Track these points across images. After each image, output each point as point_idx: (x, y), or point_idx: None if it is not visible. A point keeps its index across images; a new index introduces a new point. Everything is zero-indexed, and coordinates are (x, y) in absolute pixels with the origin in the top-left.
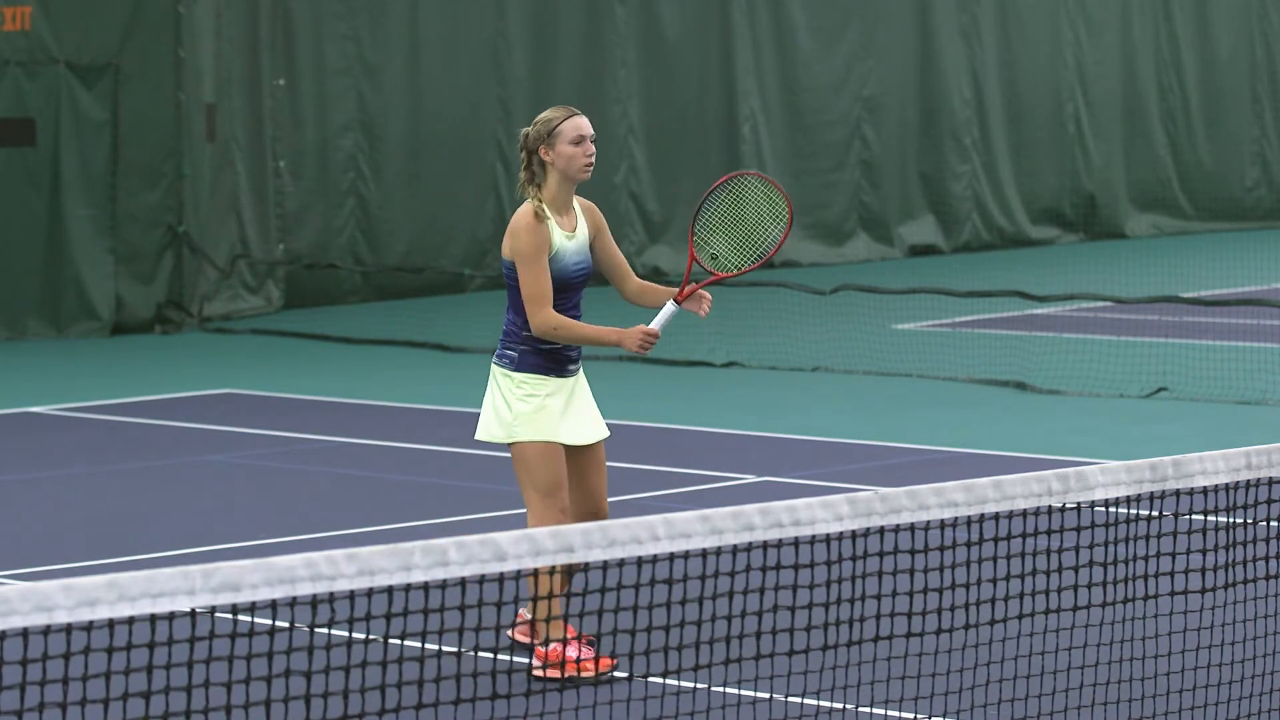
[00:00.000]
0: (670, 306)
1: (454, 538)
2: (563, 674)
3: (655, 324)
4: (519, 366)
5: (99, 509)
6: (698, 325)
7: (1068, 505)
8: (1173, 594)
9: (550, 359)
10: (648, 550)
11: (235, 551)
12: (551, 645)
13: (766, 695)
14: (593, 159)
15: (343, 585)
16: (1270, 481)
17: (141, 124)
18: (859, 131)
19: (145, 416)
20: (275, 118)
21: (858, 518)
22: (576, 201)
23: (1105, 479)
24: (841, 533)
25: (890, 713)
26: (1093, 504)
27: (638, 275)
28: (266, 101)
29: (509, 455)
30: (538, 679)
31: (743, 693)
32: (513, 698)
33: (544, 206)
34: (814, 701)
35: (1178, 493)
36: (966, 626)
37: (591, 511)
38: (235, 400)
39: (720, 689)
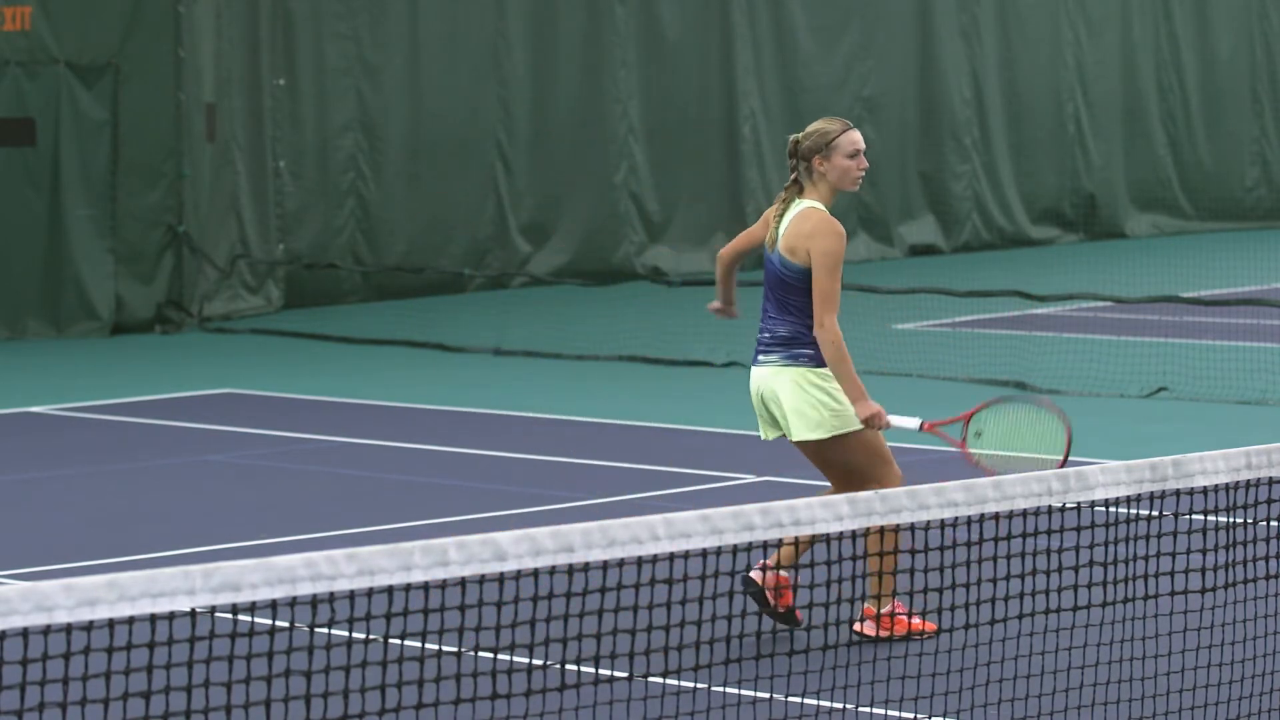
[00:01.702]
0: (914, 423)
1: (454, 538)
2: (878, 631)
3: (895, 420)
4: (818, 362)
5: (99, 509)
6: (699, 325)
7: (1068, 505)
8: (1173, 594)
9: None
10: (648, 550)
11: (235, 551)
12: (897, 615)
13: (766, 695)
14: (865, 170)
15: (343, 585)
16: (1270, 481)
17: (141, 124)
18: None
19: (145, 416)
20: (275, 118)
21: (858, 518)
22: None
23: (1105, 479)
24: (841, 533)
25: (890, 713)
26: (1093, 504)
27: (639, 276)
28: (266, 101)
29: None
30: (857, 635)
31: (743, 693)
32: (513, 697)
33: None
34: (814, 701)
35: (1178, 493)
36: (966, 626)
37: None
38: (235, 400)
39: (720, 689)
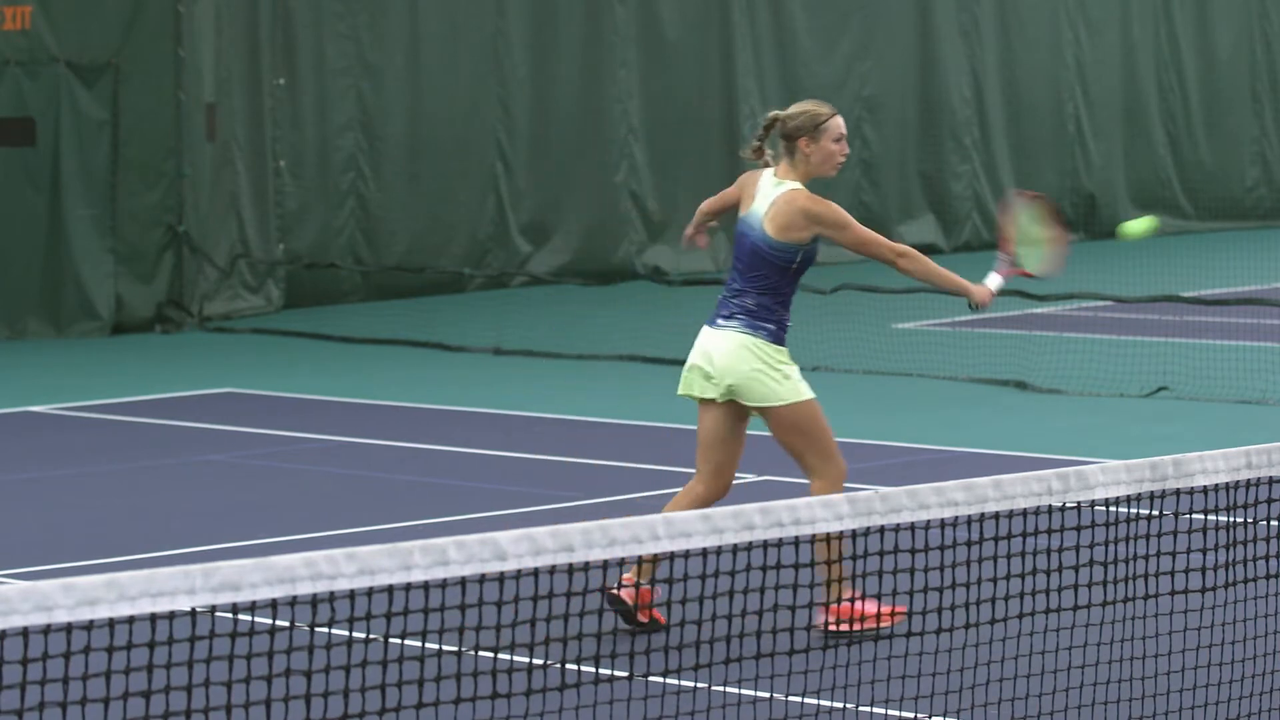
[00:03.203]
0: (995, 280)
1: (454, 537)
2: (851, 628)
3: (990, 282)
4: (777, 339)
5: (99, 509)
6: (699, 325)
7: (1068, 505)
8: (1173, 594)
9: (783, 336)
10: (648, 550)
11: (235, 551)
12: (844, 602)
13: (766, 695)
14: (846, 157)
15: (343, 585)
16: (1270, 481)
17: (141, 124)
18: (859, 131)
19: (145, 416)
20: (275, 117)
21: (858, 517)
22: None
23: (1105, 478)
24: (842, 532)
25: (890, 712)
26: (1093, 503)
27: (639, 275)
28: (266, 101)
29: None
30: (831, 634)
31: (743, 692)
32: (513, 697)
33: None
34: (814, 701)
35: (1178, 492)
36: (966, 626)
37: (843, 470)
38: (235, 400)
39: (720, 689)
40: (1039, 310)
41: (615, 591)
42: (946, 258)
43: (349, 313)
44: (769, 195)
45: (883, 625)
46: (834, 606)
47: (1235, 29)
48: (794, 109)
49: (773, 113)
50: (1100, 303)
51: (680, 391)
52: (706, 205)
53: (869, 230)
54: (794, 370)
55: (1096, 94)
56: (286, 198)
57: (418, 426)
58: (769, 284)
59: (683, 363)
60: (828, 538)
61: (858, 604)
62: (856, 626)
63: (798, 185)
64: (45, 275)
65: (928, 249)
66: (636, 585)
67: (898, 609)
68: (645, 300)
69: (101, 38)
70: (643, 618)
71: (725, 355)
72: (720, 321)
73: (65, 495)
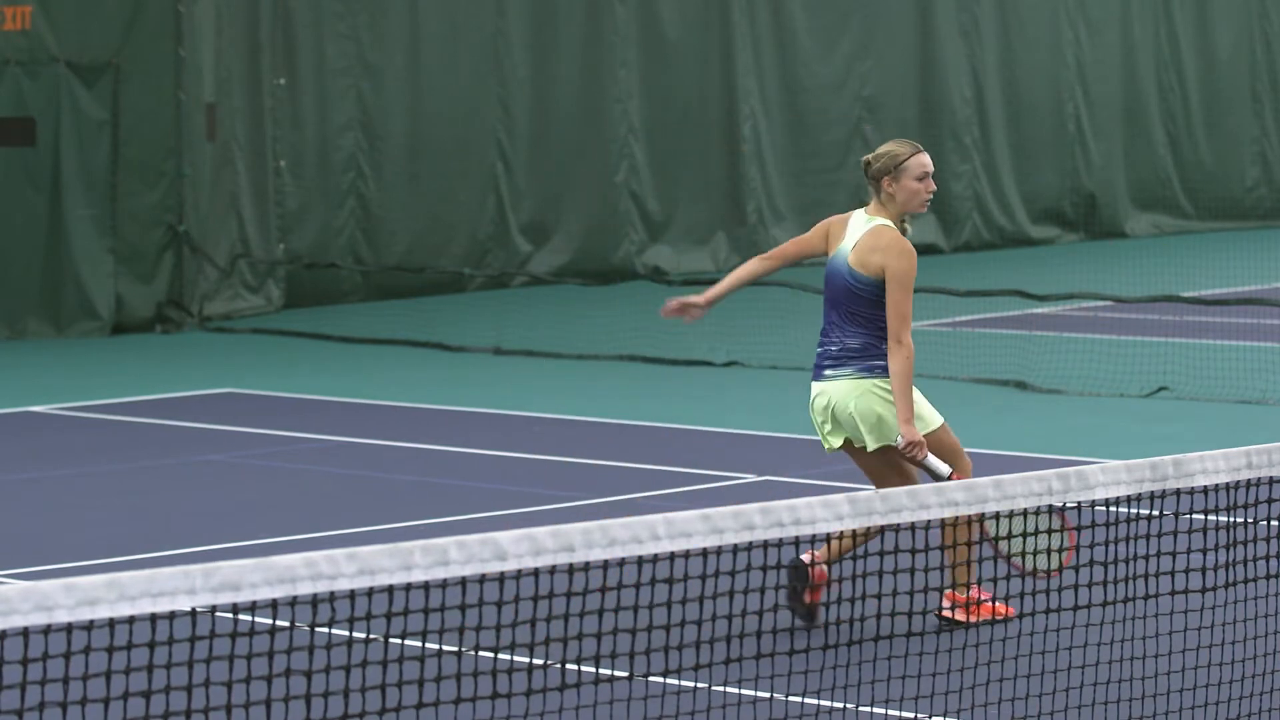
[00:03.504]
0: (944, 468)
1: (454, 537)
2: (968, 617)
3: (930, 461)
4: (884, 373)
5: (99, 509)
6: (699, 325)
7: (1068, 505)
8: (1173, 594)
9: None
10: (648, 550)
11: (235, 551)
12: (959, 589)
13: (767, 695)
14: (932, 194)
15: (343, 585)
16: (1270, 481)
17: (141, 124)
18: (859, 131)
19: (145, 416)
20: (275, 117)
21: (858, 517)
22: None
23: (1105, 479)
24: (842, 533)
25: (890, 712)
26: (1093, 503)
27: (639, 275)
28: (267, 101)
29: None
30: (945, 620)
31: (743, 692)
32: (513, 697)
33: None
34: (814, 701)
35: (1178, 492)
36: (967, 626)
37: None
38: (235, 400)
39: (720, 689)
40: (1039, 310)
41: (803, 560)
42: (946, 258)
43: (349, 313)
44: (859, 230)
45: (996, 617)
46: (952, 593)
47: (1235, 29)
48: (880, 150)
49: (865, 157)
50: (1100, 303)
51: (828, 449)
52: (750, 270)
53: (907, 305)
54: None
55: (1096, 94)
56: (286, 198)
57: (418, 426)
58: (869, 321)
59: (683, 362)
60: (956, 522)
61: (972, 590)
62: (972, 616)
63: (886, 222)
64: (45, 275)
65: (928, 249)
66: (813, 564)
67: (1008, 608)
68: (645, 300)
69: (101, 38)
70: (808, 598)
71: (844, 399)
72: (828, 371)
73: (65, 495)
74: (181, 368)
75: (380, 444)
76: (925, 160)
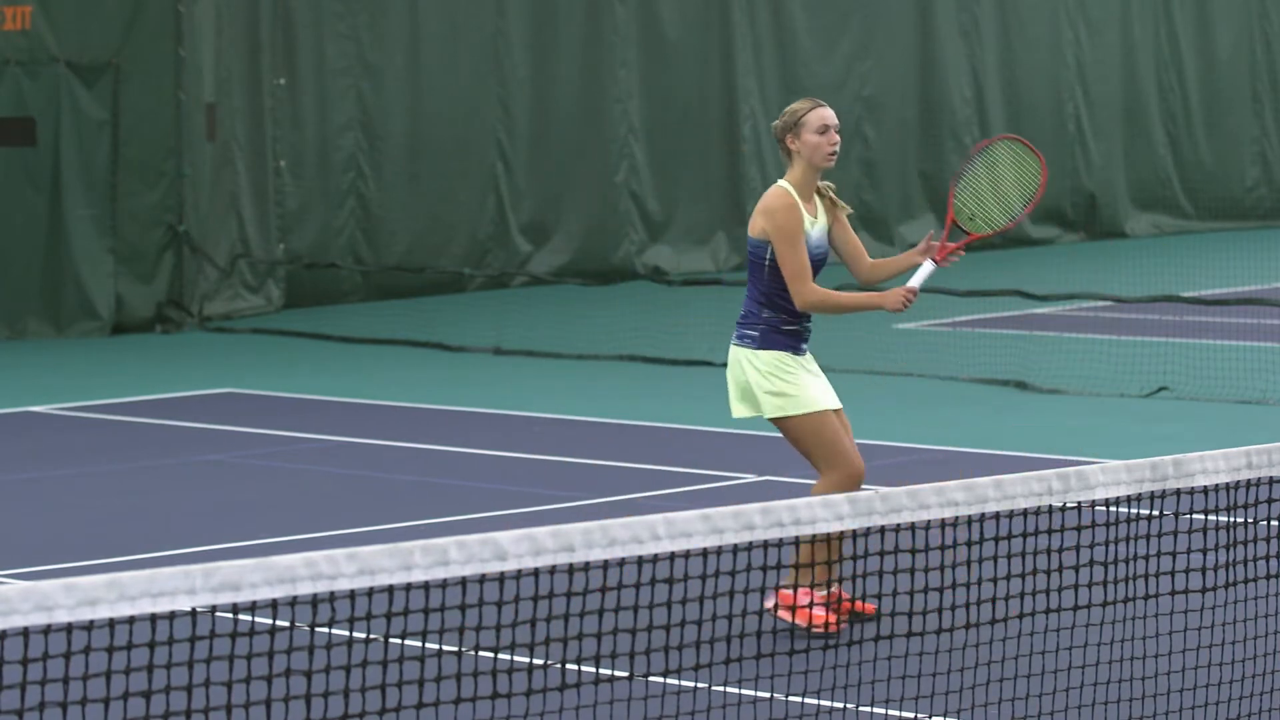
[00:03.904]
0: (929, 266)
1: (454, 537)
2: (793, 617)
3: (914, 282)
4: (763, 345)
5: (99, 509)
6: (699, 325)
7: (1068, 505)
8: (1173, 594)
9: (789, 338)
10: (648, 550)
11: (235, 551)
12: (798, 589)
13: (767, 695)
14: (837, 147)
15: (343, 585)
16: (1270, 481)
17: (141, 123)
18: (859, 131)
19: (145, 416)
20: (275, 117)
21: (858, 517)
22: (827, 201)
23: (1105, 478)
24: (842, 532)
25: (890, 712)
26: (1093, 503)
27: (639, 275)
28: (267, 101)
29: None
30: (769, 614)
31: (743, 692)
32: (513, 697)
33: (790, 188)
34: (814, 701)
35: (1178, 492)
36: (966, 626)
37: (853, 473)
38: (235, 400)
39: (720, 689)
40: (1039, 310)
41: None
42: None
43: (349, 313)
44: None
45: (814, 626)
46: (784, 592)
47: (1235, 29)
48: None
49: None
50: (1100, 303)
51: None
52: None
53: (796, 260)
54: (793, 377)
55: (1096, 94)
56: (286, 198)
57: (418, 426)
58: (752, 286)
59: (683, 362)
60: (828, 538)
61: (816, 607)
62: (794, 618)
63: (783, 182)
64: (45, 275)
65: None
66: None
67: (837, 621)
68: (645, 300)
69: (101, 38)
70: (842, 610)
71: (730, 371)
72: (732, 340)
73: (65, 495)
74: (181, 368)
75: (380, 444)
76: (826, 114)
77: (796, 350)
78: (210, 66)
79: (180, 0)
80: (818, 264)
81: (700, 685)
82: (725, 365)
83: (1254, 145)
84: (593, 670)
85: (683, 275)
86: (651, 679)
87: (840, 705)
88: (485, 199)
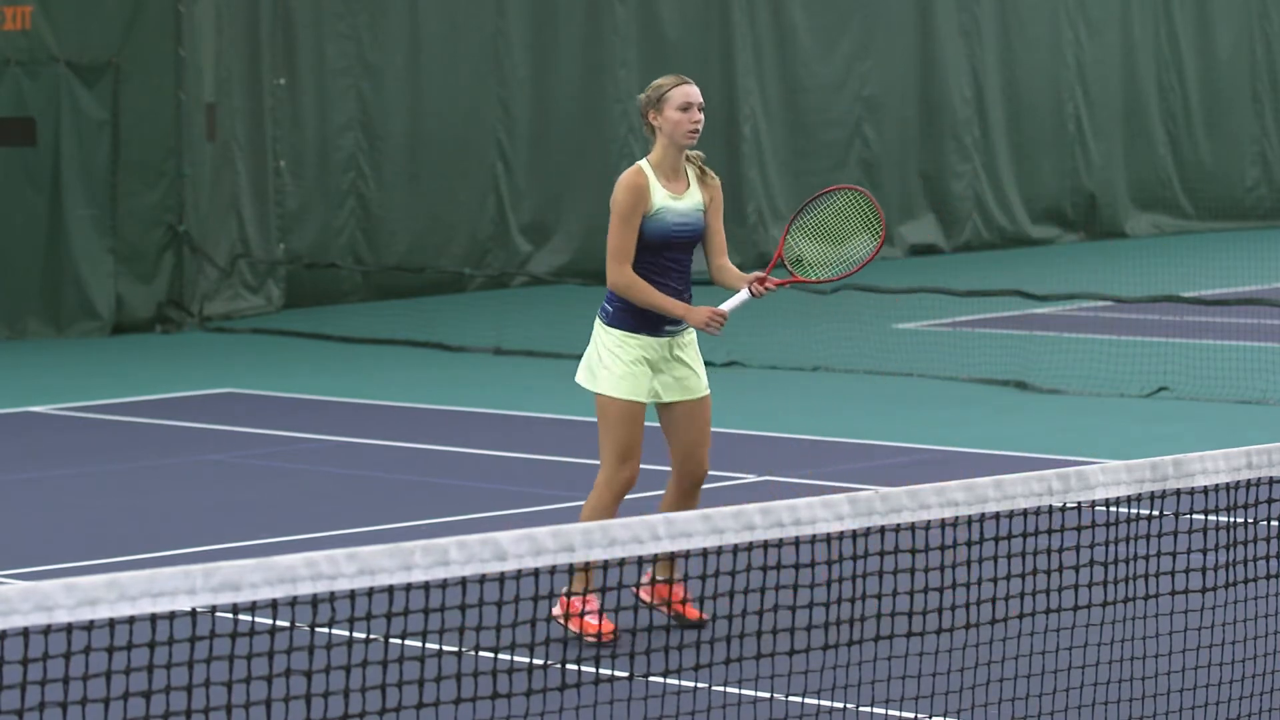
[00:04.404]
0: (744, 294)
1: (455, 537)
2: (565, 624)
3: (725, 306)
4: (612, 321)
5: (99, 509)
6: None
7: (1068, 505)
8: (1173, 594)
9: (644, 318)
10: (648, 550)
11: (235, 551)
12: (573, 597)
13: (767, 695)
14: (698, 125)
15: (343, 585)
16: (1270, 481)
17: (141, 123)
18: (859, 131)
19: (145, 416)
20: (275, 117)
21: (858, 517)
22: (695, 171)
23: (1105, 478)
24: (842, 532)
25: (890, 712)
26: (1093, 504)
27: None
28: (267, 101)
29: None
30: (554, 620)
31: (743, 692)
32: (513, 697)
33: (644, 167)
34: (814, 701)
35: (1178, 492)
36: (967, 626)
37: (690, 470)
38: (235, 400)
39: (720, 689)
40: (1039, 310)
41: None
42: (946, 257)
43: (349, 313)
44: None
45: (587, 634)
46: (562, 597)
47: (1235, 29)
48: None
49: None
50: (1100, 303)
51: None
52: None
53: (617, 238)
54: (619, 360)
55: (1096, 94)
56: (286, 198)
57: (418, 426)
58: None
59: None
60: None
61: (590, 615)
62: (569, 624)
63: (641, 161)
64: (45, 275)
65: (928, 249)
66: (654, 581)
67: (614, 631)
68: None
69: (101, 38)
70: (683, 611)
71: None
72: None
73: (65, 495)
74: (181, 368)
75: (380, 444)
76: (690, 91)
77: (655, 332)
78: (210, 66)
79: (180, 0)
80: (681, 239)
81: (700, 685)
82: (725, 366)
83: (1254, 145)
84: (593, 670)
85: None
86: (651, 679)
87: (840, 705)
88: (485, 199)
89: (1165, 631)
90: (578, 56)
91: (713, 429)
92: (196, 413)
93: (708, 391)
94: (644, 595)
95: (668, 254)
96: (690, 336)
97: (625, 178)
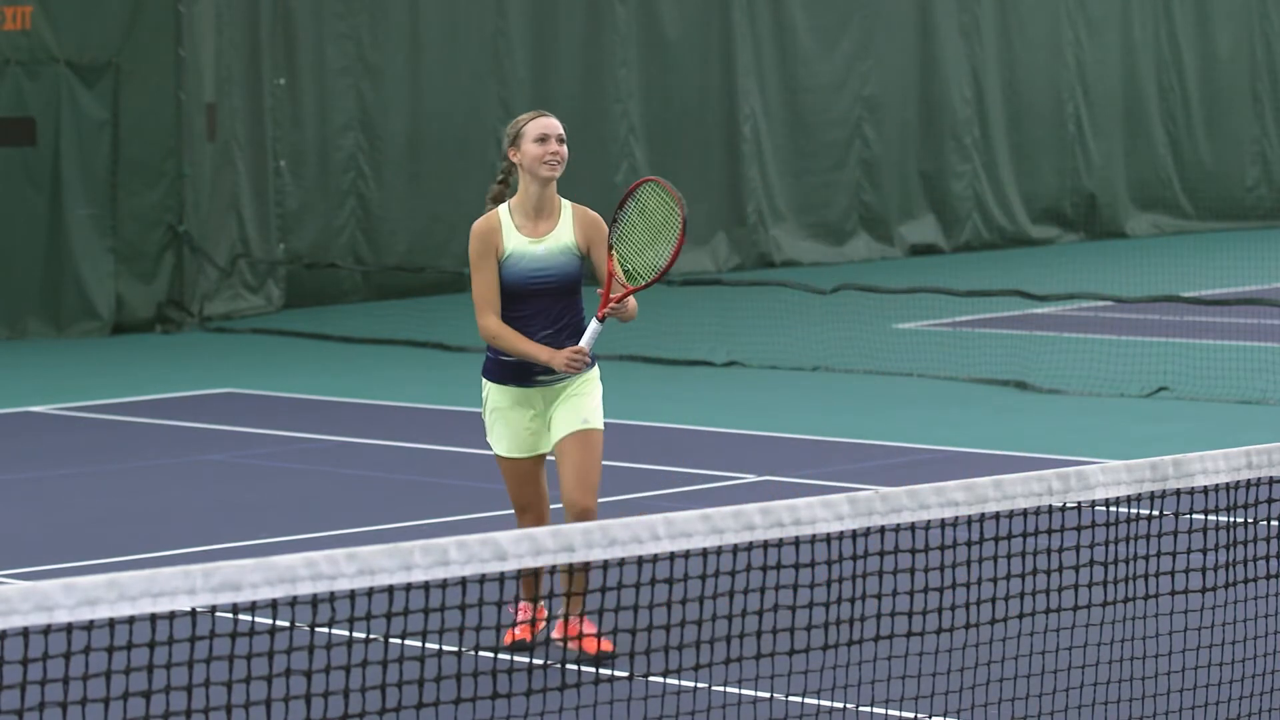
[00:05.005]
0: (594, 324)
1: (454, 537)
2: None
3: (583, 343)
4: (485, 372)
5: (99, 509)
6: (699, 325)
7: (1068, 505)
8: (1173, 594)
9: (511, 369)
10: (648, 550)
11: (235, 551)
12: (570, 619)
13: (767, 695)
14: (556, 158)
15: (343, 585)
16: (1270, 481)
17: (141, 123)
18: (859, 131)
19: (145, 416)
20: (275, 117)
21: (858, 517)
22: (573, 211)
23: (1105, 478)
24: (842, 532)
25: (890, 712)
26: (1093, 503)
27: None
28: (267, 101)
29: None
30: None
31: (743, 692)
32: (513, 697)
33: (503, 211)
34: (814, 701)
35: (1178, 492)
36: (967, 626)
37: (573, 515)
38: (235, 400)
39: (720, 689)
40: (1039, 310)
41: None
42: (947, 258)
43: (349, 313)
44: None
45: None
46: (564, 622)
47: (1235, 29)
48: None
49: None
50: (1100, 303)
51: None
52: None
53: (475, 286)
54: (494, 414)
55: (1096, 94)
56: (287, 197)
57: (418, 426)
58: None
59: (683, 362)
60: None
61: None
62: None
63: (502, 205)
64: (45, 275)
65: (928, 249)
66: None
67: (531, 632)
68: (645, 300)
69: (101, 38)
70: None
71: None
72: None
73: (65, 495)
74: (181, 368)
75: (380, 444)
76: (547, 123)
77: (525, 382)
78: (210, 66)
79: (180, 0)
80: (534, 288)
81: (700, 685)
82: (725, 366)
83: (1254, 145)
84: (593, 670)
85: (682, 275)
86: (651, 679)
87: (840, 705)
88: (485, 199)
89: (1165, 631)
90: (578, 56)
91: (712, 429)
92: (196, 413)
93: (590, 426)
94: (555, 634)
95: (533, 301)
96: (575, 383)
97: (478, 224)
